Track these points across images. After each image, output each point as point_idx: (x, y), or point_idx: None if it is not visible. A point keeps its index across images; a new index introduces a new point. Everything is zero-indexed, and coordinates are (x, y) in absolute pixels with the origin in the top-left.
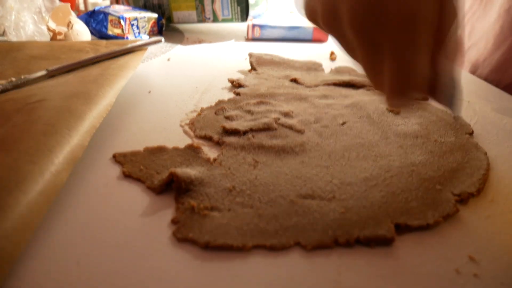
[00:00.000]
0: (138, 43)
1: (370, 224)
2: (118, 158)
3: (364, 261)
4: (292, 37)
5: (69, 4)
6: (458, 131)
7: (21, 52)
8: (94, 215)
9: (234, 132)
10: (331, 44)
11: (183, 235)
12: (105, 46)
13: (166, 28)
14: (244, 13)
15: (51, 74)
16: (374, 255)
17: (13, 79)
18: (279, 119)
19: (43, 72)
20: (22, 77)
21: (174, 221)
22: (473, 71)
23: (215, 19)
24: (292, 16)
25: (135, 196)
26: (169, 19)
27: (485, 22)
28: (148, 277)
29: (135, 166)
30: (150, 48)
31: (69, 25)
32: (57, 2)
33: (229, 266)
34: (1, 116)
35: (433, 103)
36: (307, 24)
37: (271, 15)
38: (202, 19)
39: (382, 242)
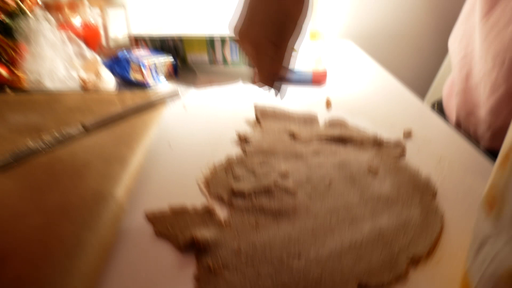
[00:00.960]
0: (158, 96)
1: (339, 285)
2: (149, 217)
3: None
4: (294, 80)
5: (98, 57)
6: (423, 193)
7: (58, 104)
8: (133, 269)
9: (240, 194)
10: (327, 89)
11: None
12: (130, 99)
13: (181, 66)
14: None
15: (87, 129)
16: None
17: (56, 134)
18: (277, 181)
19: (80, 128)
20: (64, 132)
21: (196, 278)
22: (473, 111)
23: (225, 62)
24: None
25: (165, 253)
26: (184, 60)
27: (483, 68)
28: None
29: (163, 226)
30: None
31: (98, 75)
32: (85, 50)
33: None
34: (53, 179)
35: (409, 164)
36: (307, 68)
37: None
38: (213, 61)
39: None
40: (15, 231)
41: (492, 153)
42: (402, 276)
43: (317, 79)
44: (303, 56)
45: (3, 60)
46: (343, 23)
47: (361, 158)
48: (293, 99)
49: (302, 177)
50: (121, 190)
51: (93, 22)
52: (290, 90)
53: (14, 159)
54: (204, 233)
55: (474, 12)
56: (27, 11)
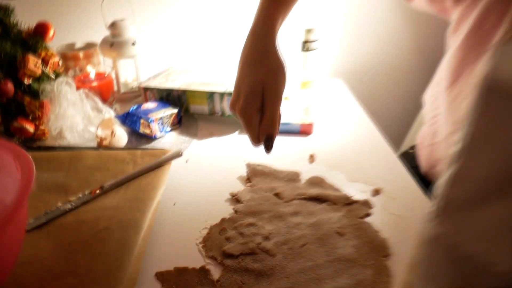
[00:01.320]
0: (165, 157)
1: None
2: (158, 277)
3: None
4: (284, 130)
5: (113, 116)
6: (378, 253)
7: (80, 163)
8: None
9: (231, 255)
10: (312, 142)
11: None
12: (140, 157)
13: (184, 115)
14: None
15: (105, 190)
16: None
17: (80, 195)
18: (260, 243)
19: (99, 191)
20: (86, 193)
21: None
22: (436, 165)
23: (223, 114)
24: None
25: None
26: (187, 110)
27: (445, 130)
28: None
29: (170, 284)
30: (176, 141)
31: (112, 133)
32: (100, 104)
33: None
34: (81, 240)
35: (372, 223)
36: (295, 121)
37: None
38: (212, 112)
39: None
40: None
41: None
42: None
43: (304, 130)
44: (292, 105)
45: (30, 118)
46: (334, 63)
47: (333, 218)
48: (281, 150)
49: (281, 239)
50: (135, 255)
51: (106, 71)
52: (279, 140)
53: (47, 219)
54: None
55: (442, 81)
56: (51, 76)
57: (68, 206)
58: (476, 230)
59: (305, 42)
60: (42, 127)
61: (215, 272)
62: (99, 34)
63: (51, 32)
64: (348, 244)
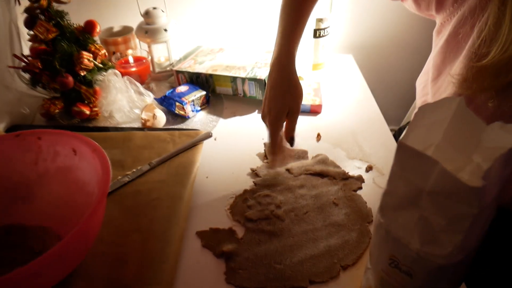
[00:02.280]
0: (198, 137)
1: (300, 281)
2: (199, 235)
3: None
4: None
5: (153, 100)
6: (364, 220)
7: (131, 143)
8: (190, 267)
9: (251, 220)
10: (320, 121)
11: (230, 281)
12: (178, 137)
13: (211, 95)
14: (263, 92)
15: (152, 166)
16: (346, 275)
17: (134, 170)
18: (273, 210)
19: (148, 166)
20: (138, 168)
21: (225, 274)
22: None
23: (245, 95)
24: None
25: (208, 258)
26: (213, 91)
27: None
28: None
29: (207, 240)
30: (205, 120)
31: (154, 116)
32: (142, 90)
33: None
34: (139, 206)
35: (362, 195)
36: (306, 101)
37: None
38: (236, 93)
39: None
40: (128, 244)
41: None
42: (335, 277)
43: (314, 110)
44: (304, 86)
45: (86, 103)
46: (344, 39)
47: (331, 191)
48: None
49: (290, 207)
50: (181, 218)
51: (143, 54)
52: None
53: (112, 189)
54: (229, 246)
55: (429, 72)
56: (101, 67)
57: (126, 179)
58: (399, 223)
59: (317, 29)
60: (95, 109)
61: (240, 232)
62: (135, 19)
63: (97, 28)
64: (341, 212)
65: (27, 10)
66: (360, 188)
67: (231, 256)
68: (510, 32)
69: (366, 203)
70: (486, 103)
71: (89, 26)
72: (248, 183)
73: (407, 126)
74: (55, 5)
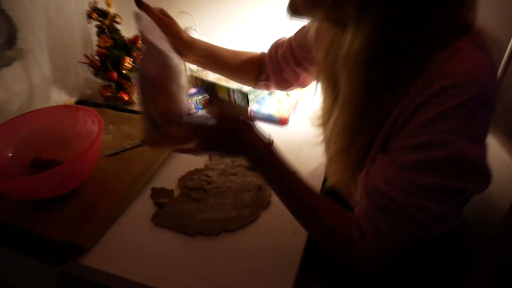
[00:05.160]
0: None
1: (192, 230)
2: (152, 189)
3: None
4: (268, 119)
5: None
6: (260, 206)
7: None
8: (136, 209)
9: (186, 187)
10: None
11: (153, 220)
12: None
13: (214, 98)
14: (247, 102)
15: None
16: (225, 237)
17: (135, 141)
18: (203, 185)
19: (143, 141)
20: (139, 140)
21: (153, 216)
22: None
23: (235, 102)
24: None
25: (150, 204)
26: (217, 95)
27: None
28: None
29: (154, 193)
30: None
31: None
32: None
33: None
34: (131, 165)
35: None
36: (275, 114)
37: (266, 101)
38: (230, 100)
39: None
40: (105, 190)
41: None
42: (215, 234)
43: (282, 121)
44: (281, 100)
45: (126, 91)
46: None
47: (252, 182)
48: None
49: (216, 185)
50: (148, 175)
51: None
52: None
53: (118, 150)
54: (164, 200)
55: None
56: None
57: (127, 146)
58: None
59: None
60: (131, 97)
61: (177, 194)
62: None
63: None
64: (249, 197)
65: (97, 26)
66: None
67: (162, 206)
68: None
69: (270, 195)
70: None
71: (135, 39)
72: (202, 164)
73: None
74: (115, 24)
